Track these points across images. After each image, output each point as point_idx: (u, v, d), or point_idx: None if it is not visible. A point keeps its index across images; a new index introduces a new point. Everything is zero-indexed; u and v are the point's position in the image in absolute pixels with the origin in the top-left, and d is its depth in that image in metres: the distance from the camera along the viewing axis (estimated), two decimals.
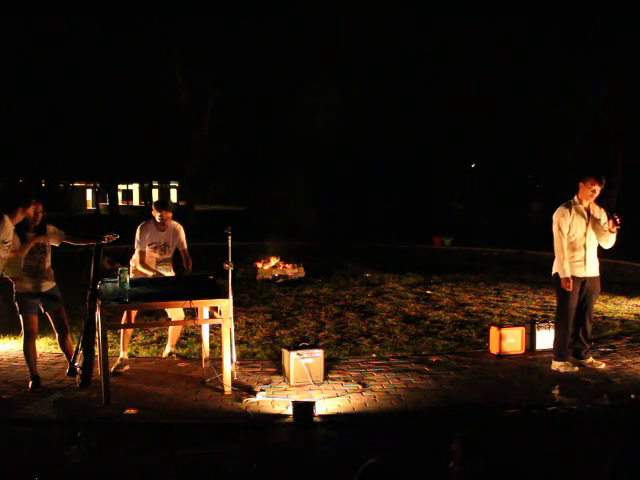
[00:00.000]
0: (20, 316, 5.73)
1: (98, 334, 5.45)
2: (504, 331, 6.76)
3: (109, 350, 5.47)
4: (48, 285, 5.80)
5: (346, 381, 5.87)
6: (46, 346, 7.06)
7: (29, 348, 5.74)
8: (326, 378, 5.85)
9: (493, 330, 6.88)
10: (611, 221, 6.06)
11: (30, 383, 5.66)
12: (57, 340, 6.06)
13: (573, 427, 4.95)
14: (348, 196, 28.37)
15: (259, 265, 12.17)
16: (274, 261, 12.28)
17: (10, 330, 7.37)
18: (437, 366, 6.39)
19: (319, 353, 5.81)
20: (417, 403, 5.36)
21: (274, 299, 10.00)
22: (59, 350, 6.23)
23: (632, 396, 5.44)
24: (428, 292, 10.64)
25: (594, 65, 19.76)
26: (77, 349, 5.71)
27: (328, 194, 25.76)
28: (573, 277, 6.12)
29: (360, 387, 5.71)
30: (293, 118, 22.47)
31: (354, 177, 27.99)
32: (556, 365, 6.24)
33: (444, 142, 27.27)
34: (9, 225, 5.46)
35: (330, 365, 6.22)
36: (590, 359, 6.33)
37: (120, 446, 4.57)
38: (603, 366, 6.24)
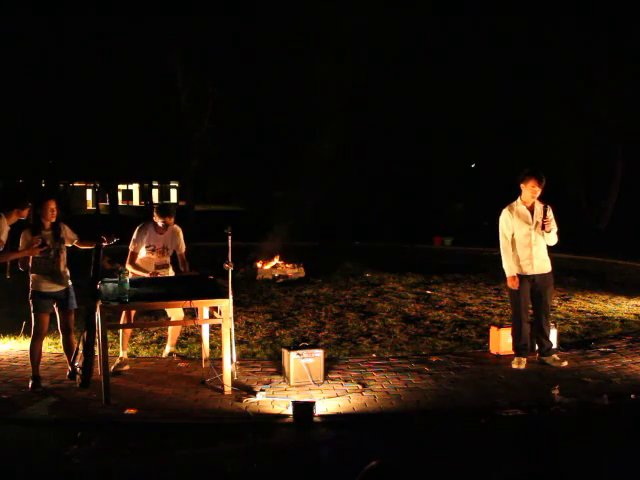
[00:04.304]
0: (32, 314, 5.75)
1: (98, 334, 5.45)
2: (504, 331, 6.77)
3: (109, 350, 5.47)
4: (62, 286, 5.80)
5: (346, 381, 5.87)
6: (46, 346, 7.03)
7: (36, 347, 5.75)
8: (326, 378, 5.85)
9: (493, 330, 6.90)
10: (541, 222, 6.19)
11: (30, 383, 5.66)
12: (61, 341, 6.07)
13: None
14: (348, 196, 28.33)
15: (259, 265, 12.16)
16: (274, 261, 12.27)
17: (10, 330, 7.38)
18: (437, 366, 6.39)
19: (319, 353, 5.81)
20: (417, 403, 5.36)
21: (274, 299, 9.99)
22: (59, 350, 6.23)
23: (632, 396, 5.44)
24: (428, 292, 10.63)
25: (594, 64, 19.76)
26: (77, 349, 5.73)
27: (328, 194, 25.73)
28: (522, 275, 6.26)
29: (360, 387, 5.71)
30: (292, 118, 22.47)
31: (354, 177, 27.96)
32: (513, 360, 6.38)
33: (444, 142, 27.23)
34: (5, 225, 5.50)
35: (330, 365, 6.22)
36: (553, 357, 6.40)
37: (120, 446, 4.56)
38: (565, 364, 6.32)
